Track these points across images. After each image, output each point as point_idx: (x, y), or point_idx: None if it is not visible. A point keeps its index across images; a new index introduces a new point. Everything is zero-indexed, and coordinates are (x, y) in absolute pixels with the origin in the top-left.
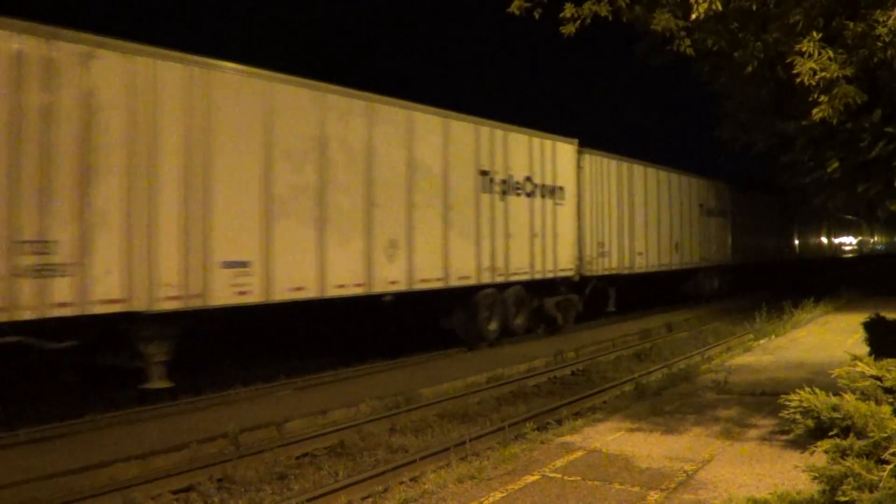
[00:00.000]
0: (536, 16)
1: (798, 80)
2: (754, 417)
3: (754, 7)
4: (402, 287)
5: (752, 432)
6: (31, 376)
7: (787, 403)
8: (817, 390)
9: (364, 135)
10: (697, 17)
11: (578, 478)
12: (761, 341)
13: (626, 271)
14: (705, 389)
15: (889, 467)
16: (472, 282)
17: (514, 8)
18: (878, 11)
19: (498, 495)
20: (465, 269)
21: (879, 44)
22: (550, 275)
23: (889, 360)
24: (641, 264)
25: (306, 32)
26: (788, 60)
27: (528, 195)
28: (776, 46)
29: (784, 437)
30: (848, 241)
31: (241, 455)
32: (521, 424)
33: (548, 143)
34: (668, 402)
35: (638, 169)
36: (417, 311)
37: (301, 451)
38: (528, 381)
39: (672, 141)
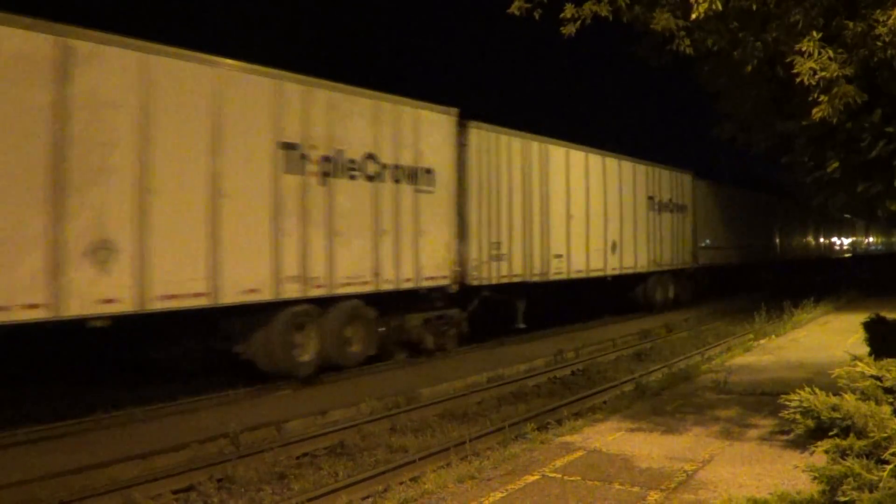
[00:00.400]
0: (536, 16)
1: (798, 79)
2: (754, 417)
3: (754, 7)
4: (126, 307)
5: (752, 432)
6: (31, 376)
7: (787, 403)
8: (817, 390)
9: (50, 87)
10: (697, 17)
11: (578, 478)
12: (761, 341)
13: (536, 278)
14: (705, 389)
15: (889, 467)
16: (264, 297)
17: (514, 8)
18: (878, 11)
19: (498, 495)
20: (251, 279)
21: (879, 44)
22: (409, 285)
23: (889, 360)
24: (560, 270)
25: (307, 32)
26: (788, 60)
27: (371, 178)
28: (776, 46)
29: (784, 437)
30: (840, 241)
31: (241, 455)
32: (522, 424)
33: (406, 110)
34: (668, 402)
35: (556, 150)
36: (172, 337)
37: (301, 451)
38: (528, 381)
39: (672, 141)
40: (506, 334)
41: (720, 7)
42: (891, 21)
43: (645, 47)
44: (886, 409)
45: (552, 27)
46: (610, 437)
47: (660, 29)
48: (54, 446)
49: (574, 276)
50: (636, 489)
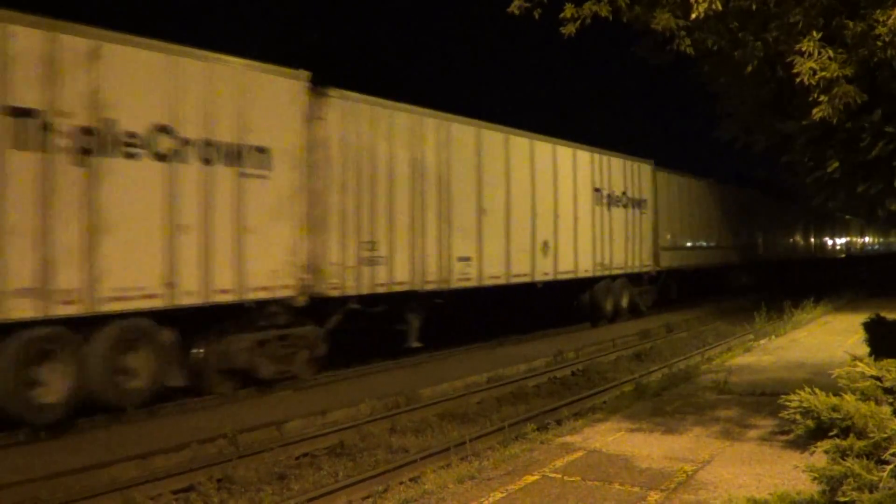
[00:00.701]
0: (536, 16)
1: (798, 79)
2: (754, 418)
3: (754, 6)
4: None
5: (752, 433)
6: None
7: (788, 404)
8: (817, 391)
9: None
10: (697, 17)
11: (578, 478)
12: (761, 341)
13: (430, 287)
14: (705, 390)
15: (889, 467)
16: None
17: (513, 8)
18: (878, 11)
19: (498, 495)
20: None
21: (879, 43)
22: (227, 297)
23: (889, 360)
24: (468, 275)
25: (307, 31)
26: (788, 60)
27: (163, 158)
28: (776, 46)
29: (784, 438)
30: (832, 241)
31: (241, 455)
32: (522, 424)
33: (223, 71)
34: (668, 403)
35: (462, 130)
36: None
37: (301, 451)
38: (528, 381)
39: (672, 141)
40: (398, 355)
41: (720, 7)
42: (891, 21)
43: (645, 47)
44: (886, 409)
45: (552, 27)
46: (610, 437)
47: (660, 29)
48: (54, 446)
49: (488, 282)
50: (636, 489)
